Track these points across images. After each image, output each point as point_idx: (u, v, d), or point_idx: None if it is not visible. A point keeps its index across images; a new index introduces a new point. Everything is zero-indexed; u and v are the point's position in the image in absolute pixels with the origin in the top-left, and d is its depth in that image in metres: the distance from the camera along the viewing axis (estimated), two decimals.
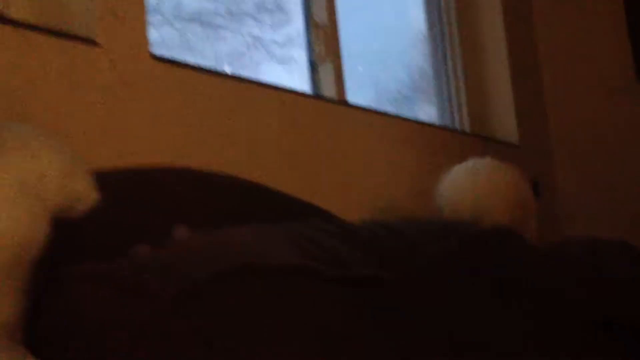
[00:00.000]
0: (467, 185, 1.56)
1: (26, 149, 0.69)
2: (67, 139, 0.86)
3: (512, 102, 2.36)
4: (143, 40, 1.13)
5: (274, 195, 1.08)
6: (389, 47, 2.39)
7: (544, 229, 1.64)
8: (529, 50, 2.56)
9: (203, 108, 1.22)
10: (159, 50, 1.34)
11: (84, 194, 0.71)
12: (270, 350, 0.56)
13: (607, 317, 0.93)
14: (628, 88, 2.64)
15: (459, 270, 0.83)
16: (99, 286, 0.61)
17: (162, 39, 1.59)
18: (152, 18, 1.52)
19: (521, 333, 0.83)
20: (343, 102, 1.78)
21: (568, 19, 2.66)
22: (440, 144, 1.99)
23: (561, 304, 0.89)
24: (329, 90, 1.84)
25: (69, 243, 0.68)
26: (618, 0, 2.66)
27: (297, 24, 1.93)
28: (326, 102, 1.64)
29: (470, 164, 1.62)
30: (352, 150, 1.61)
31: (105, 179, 0.77)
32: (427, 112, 2.41)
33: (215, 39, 1.76)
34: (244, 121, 1.31)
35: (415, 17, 2.46)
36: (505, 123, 2.37)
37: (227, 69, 1.68)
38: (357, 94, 2.03)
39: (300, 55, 1.91)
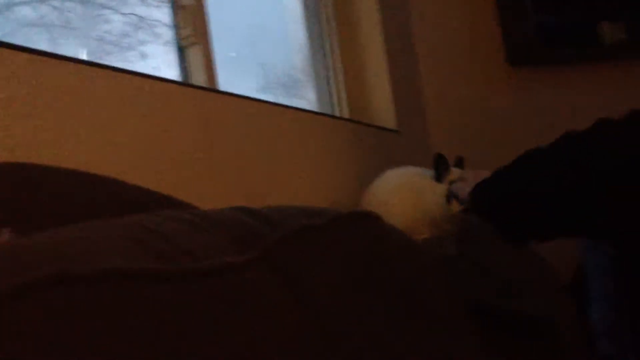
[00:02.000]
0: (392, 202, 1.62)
1: None
2: None
3: (389, 89, 2.36)
4: None
5: (124, 189, 0.98)
6: (265, 31, 2.33)
7: None
8: (405, 37, 2.57)
9: (47, 95, 1.10)
10: (37, 31, 1.20)
11: None
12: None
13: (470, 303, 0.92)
14: (500, 71, 2.72)
15: (313, 247, 0.79)
16: None
17: (40, 17, 1.45)
18: None
19: (378, 319, 0.79)
20: (212, 89, 1.70)
21: (443, 8, 2.70)
22: (318, 130, 1.95)
23: (414, 290, 0.86)
24: (198, 76, 1.75)
25: None
26: None
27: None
28: (194, 88, 1.55)
29: (393, 178, 1.68)
30: (224, 141, 1.53)
31: None
32: (307, 99, 2.37)
33: (98, 19, 1.64)
34: (99, 110, 1.20)
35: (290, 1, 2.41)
36: (384, 110, 2.37)
37: (82, 54, 1.55)
38: (231, 80, 1.95)
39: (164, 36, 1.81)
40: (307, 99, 2.34)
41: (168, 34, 1.82)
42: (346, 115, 2.35)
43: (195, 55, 1.77)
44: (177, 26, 1.81)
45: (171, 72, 1.79)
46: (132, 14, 1.75)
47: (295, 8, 2.39)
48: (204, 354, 0.61)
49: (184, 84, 1.65)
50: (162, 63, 1.80)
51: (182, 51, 1.81)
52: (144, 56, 1.75)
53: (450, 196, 1.57)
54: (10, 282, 0.50)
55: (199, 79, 1.74)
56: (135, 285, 0.58)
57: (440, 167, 1.66)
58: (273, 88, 2.25)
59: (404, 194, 1.65)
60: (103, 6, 1.67)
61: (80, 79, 1.19)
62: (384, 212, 1.09)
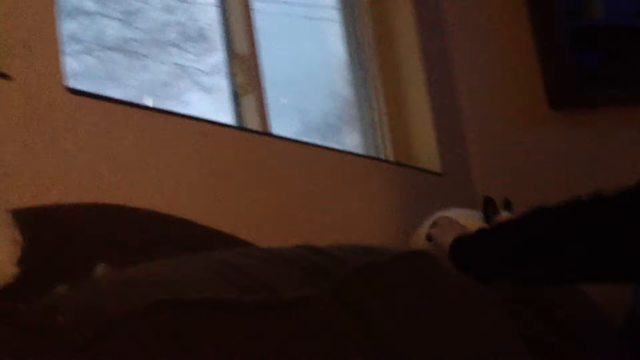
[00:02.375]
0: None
1: None
2: None
3: (433, 132, 2.40)
4: (57, 71, 1.08)
5: (193, 228, 1.05)
6: (311, 77, 2.41)
7: None
8: (447, 82, 2.63)
9: (123, 142, 1.18)
10: (80, 81, 1.28)
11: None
12: None
13: None
14: (542, 116, 2.74)
15: (377, 282, 0.83)
16: (5, 326, 0.57)
17: (84, 68, 1.54)
18: (71, 47, 1.47)
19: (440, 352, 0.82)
20: (267, 133, 1.77)
21: (483, 52, 2.75)
22: (365, 172, 2.01)
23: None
24: (252, 122, 1.83)
25: None
26: (527, 32, 2.77)
27: (221, 52, 1.92)
28: (250, 133, 1.62)
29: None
30: (277, 182, 1.60)
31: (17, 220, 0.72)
32: (351, 141, 2.43)
33: (139, 69, 1.72)
34: (167, 154, 1.27)
35: (335, 46, 2.49)
36: (428, 153, 2.41)
37: (148, 101, 1.64)
38: (281, 125, 2.02)
39: (225, 84, 1.89)
40: (347, 144, 2.40)
41: (208, 81, 1.90)
42: (391, 158, 2.39)
43: (249, 103, 1.85)
44: (232, 74, 1.89)
45: (221, 118, 1.85)
46: (175, 63, 1.83)
47: (341, 54, 2.47)
48: None
49: (242, 128, 1.73)
50: (205, 109, 1.86)
51: (236, 98, 1.89)
52: (185, 104, 1.83)
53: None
54: (122, 308, 0.56)
55: (253, 125, 1.81)
56: (224, 313, 0.64)
57: (488, 210, 1.69)
58: (313, 133, 2.31)
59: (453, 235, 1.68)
60: (144, 56, 1.74)
61: (149, 125, 1.27)
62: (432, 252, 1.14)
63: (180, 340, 0.56)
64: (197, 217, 1.13)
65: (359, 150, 2.35)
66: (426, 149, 2.42)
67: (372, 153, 2.37)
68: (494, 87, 2.72)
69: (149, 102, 1.63)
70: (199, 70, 1.89)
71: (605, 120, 2.75)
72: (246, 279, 0.75)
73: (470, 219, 1.73)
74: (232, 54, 1.91)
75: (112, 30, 1.67)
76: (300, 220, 1.60)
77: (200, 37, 1.93)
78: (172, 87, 1.81)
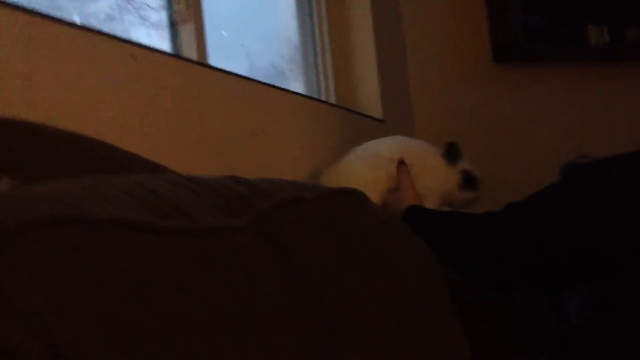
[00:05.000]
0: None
1: None
2: None
3: (376, 78, 2.38)
4: None
5: (115, 151, 1.00)
6: (258, 18, 2.34)
7: None
8: (394, 30, 2.60)
9: (46, 56, 1.11)
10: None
11: None
12: (77, 306, 0.49)
13: None
14: (486, 69, 2.75)
15: (302, 218, 0.81)
16: None
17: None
18: None
19: (362, 291, 0.81)
20: (202, 63, 1.70)
21: (432, 3, 2.72)
22: (305, 113, 1.97)
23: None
24: (189, 52, 1.76)
25: None
26: None
27: None
28: (184, 60, 1.56)
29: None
30: (211, 114, 1.54)
31: None
32: (296, 86, 2.39)
33: (83, 1, 1.63)
34: (94, 74, 1.20)
35: None
36: (370, 98, 2.40)
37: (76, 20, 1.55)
38: (223, 61, 1.95)
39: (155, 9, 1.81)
40: (291, 88, 2.35)
41: (155, 16, 1.82)
42: (332, 100, 2.37)
43: (187, 32, 1.78)
44: (170, 2, 1.81)
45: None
46: None
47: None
48: (194, 309, 0.63)
49: (176, 55, 1.66)
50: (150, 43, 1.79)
51: (173, 28, 1.81)
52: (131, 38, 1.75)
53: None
54: (16, 220, 0.51)
55: (190, 55, 1.74)
56: (132, 235, 0.60)
57: (451, 154, 1.68)
58: (258, 76, 2.26)
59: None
60: None
61: (76, 44, 1.20)
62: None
63: (81, 257, 0.52)
64: (122, 143, 1.07)
65: (301, 90, 2.31)
66: (369, 95, 2.40)
67: (314, 93, 2.34)
68: (441, 39, 2.71)
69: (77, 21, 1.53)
70: (146, 4, 1.80)
71: (546, 76, 2.78)
72: (161, 202, 0.71)
73: (432, 158, 1.70)
74: None
75: None
76: (232, 154, 1.56)
77: None
78: (118, 21, 1.72)
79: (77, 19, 1.54)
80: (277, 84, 2.06)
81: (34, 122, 0.94)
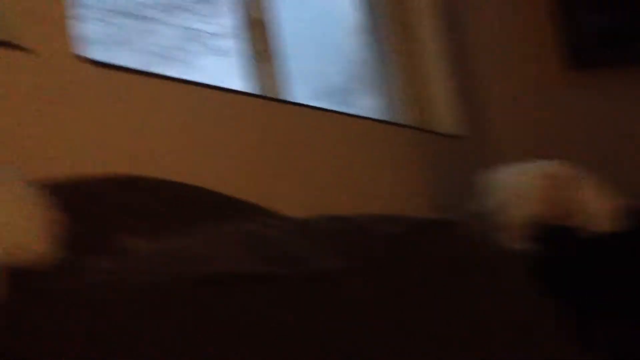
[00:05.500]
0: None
1: None
2: None
3: (450, 93, 2.38)
4: (67, 41, 1.06)
5: (214, 196, 1.05)
6: (325, 40, 2.38)
7: None
8: (464, 43, 2.59)
9: (135, 110, 1.18)
10: (92, 47, 1.27)
11: (39, 249, 0.66)
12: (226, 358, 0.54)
13: None
14: (560, 76, 2.71)
15: (406, 252, 0.84)
16: (53, 302, 0.58)
17: (95, 35, 1.53)
18: (81, 13, 1.46)
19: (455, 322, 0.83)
20: (283, 100, 1.76)
21: (500, 12, 2.70)
22: (381, 138, 1.99)
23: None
24: (268, 87, 1.82)
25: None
26: None
27: (231, 14, 1.90)
28: (266, 100, 1.61)
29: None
30: (292, 149, 1.59)
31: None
32: (366, 104, 2.41)
33: (149, 33, 1.71)
34: (181, 122, 1.27)
35: (349, 9, 2.46)
36: (445, 114, 2.39)
37: (161, 67, 1.63)
38: (296, 88, 2.01)
39: (235, 45, 1.87)
40: (362, 107, 2.38)
41: (219, 44, 1.89)
42: (407, 121, 2.37)
43: (265, 68, 1.84)
44: (247, 39, 1.87)
45: (235, 82, 1.84)
46: (183, 26, 1.81)
47: (355, 17, 2.44)
48: (305, 348, 0.66)
49: (259, 95, 1.72)
50: (216, 73, 1.84)
51: (252, 63, 1.87)
52: (196, 67, 1.81)
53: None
54: (160, 281, 0.56)
55: (269, 90, 1.80)
56: (245, 285, 0.64)
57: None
58: (327, 95, 2.29)
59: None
60: (155, 20, 1.72)
61: (162, 93, 1.27)
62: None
63: (215, 312, 0.57)
64: (213, 185, 1.13)
65: (374, 113, 2.33)
66: (444, 111, 2.40)
67: (388, 116, 2.35)
68: (512, 48, 2.68)
69: (162, 68, 1.61)
70: (210, 33, 1.87)
71: (622, 80, 2.71)
72: (274, 250, 0.76)
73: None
74: (248, 19, 1.89)
75: None
76: (316, 186, 1.60)
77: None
78: (182, 50, 1.80)
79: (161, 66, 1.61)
80: (346, 105, 2.09)
81: (132, 174, 1.00)
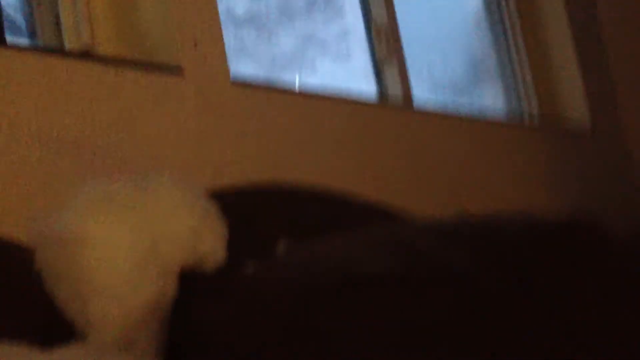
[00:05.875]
0: None
1: (160, 205, 0.70)
2: (162, 167, 0.91)
3: (581, 87, 2.30)
4: (224, 66, 1.18)
5: (354, 201, 1.11)
6: (446, 35, 2.37)
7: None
8: (594, 35, 2.50)
9: (282, 126, 1.27)
10: None
11: (212, 254, 0.73)
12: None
13: None
14: None
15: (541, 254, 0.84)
16: (219, 301, 0.66)
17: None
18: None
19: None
20: (409, 106, 1.79)
21: (631, 3, 2.59)
22: (507, 139, 1.98)
23: None
24: (394, 90, 1.85)
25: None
26: None
27: (348, 18, 1.95)
28: (391, 108, 1.67)
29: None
30: (420, 154, 1.63)
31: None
32: (493, 99, 2.37)
33: (269, 41, 1.78)
34: (320, 134, 1.35)
35: (472, 2, 2.44)
36: (576, 110, 2.32)
37: (284, 75, 1.69)
38: (420, 86, 2.02)
39: (355, 49, 1.92)
40: (488, 102, 2.34)
41: (339, 48, 1.93)
42: (534, 116, 2.31)
43: (391, 72, 1.88)
44: (372, 43, 1.93)
45: (359, 85, 1.86)
46: (304, 33, 1.86)
47: (478, 10, 2.42)
48: (444, 349, 0.70)
49: (383, 102, 1.77)
50: (339, 77, 1.87)
51: (377, 67, 1.92)
52: (318, 72, 1.86)
53: None
54: (319, 282, 0.63)
55: (396, 93, 1.84)
56: (404, 288, 0.69)
57: None
58: (451, 91, 2.27)
59: None
60: (273, 28, 1.78)
61: (302, 108, 1.36)
62: None
63: (370, 314, 0.63)
64: (346, 190, 1.19)
65: (500, 107, 2.30)
66: (574, 107, 2.32)
67: (515, 111, 2.31)
68: None
69: (296, 80, 1.69)
70: (329, 38, 1.93)
71: None
72: (413, 252, 0.80)
73: None
74: (371, 23, 1.94)
75: (241, 4, 1.73)
76: (445, 192, 1.63)
77: (327, 3, 1.96)
78: (303, 56, 1.86)
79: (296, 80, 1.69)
80: (470, 99, 2.07)
81: (290, 185, 1.09)
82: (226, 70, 1.19)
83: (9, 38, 1.11)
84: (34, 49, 1.14)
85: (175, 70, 1.14)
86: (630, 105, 2.47)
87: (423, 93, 1.93)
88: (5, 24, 1.09)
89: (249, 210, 0.91)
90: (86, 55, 1.14)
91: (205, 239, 0.73)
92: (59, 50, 1.15)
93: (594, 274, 0.94)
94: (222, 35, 1.20)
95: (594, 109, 2.30)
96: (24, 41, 1.17)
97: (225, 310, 0.65)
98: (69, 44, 1.15)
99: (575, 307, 0.86)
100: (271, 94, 1.28)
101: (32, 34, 1.16)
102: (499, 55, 2.40)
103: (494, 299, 0.80)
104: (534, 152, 2.02)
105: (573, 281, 0.90)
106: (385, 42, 1.91)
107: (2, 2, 1.09)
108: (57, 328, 0.71)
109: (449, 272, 0.80)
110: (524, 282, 0.84)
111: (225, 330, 0.64)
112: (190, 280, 0.75)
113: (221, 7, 1.61)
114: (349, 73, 1.94)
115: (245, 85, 1.23)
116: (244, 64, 1.63)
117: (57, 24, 1.15)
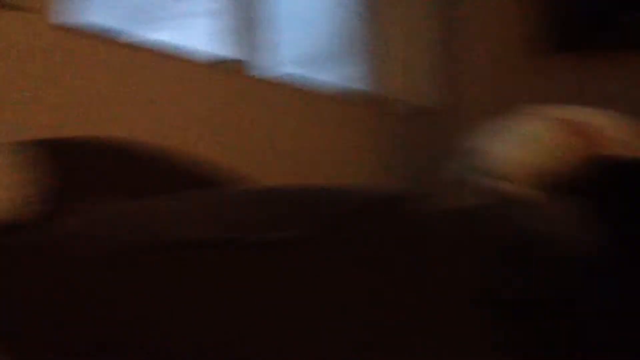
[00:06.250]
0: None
1: None
2: None
3: (428, 65, 2.38)
4: (45, 6, 1.10)
5: (185, 161, 1.10)
6: (311, 6, 2.38)
7: None
8: (450, 22, 2.57)
9: (106, 74, 1.22)
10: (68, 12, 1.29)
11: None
12: (190, 322, 0.62)
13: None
14: (544, 59, 2.73)
15: (359, 229, 0.87)
16: (30, 255, 0.66)
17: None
18: None
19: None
20: (248, 72, 1.78)
21: None
22: (343, 115, 2.03)
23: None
24: (249, 54, 1.83)
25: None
26: None
27: None
28: (229, 72, 1.66)
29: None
30: (255, 121, 1.64)
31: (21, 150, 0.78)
32: (341, 73, 2.40)
33: None
34: (145, 86, 1.32)
35: None
36: (421, 86, 2.39)
37: (137, 29, 1.63)
38: (277, 55, 1.99)
39: (197, 8, 1.88)
40: (340, 75, 2.37)
41: (181, 8, 1.87)
42: (383, 89, 2.35)
43: (248, 34, 1.84)
44: (232, 4, 1.86)
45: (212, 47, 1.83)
46: None
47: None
48: (262, 315, 0.73)
49: (220, 65, 1.74)
50: (180, 35, 1.83)
51: (234, 29, 1.86)
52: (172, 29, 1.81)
53: None
54: (127, 243, 0.64)
55: (249, 56, 1.82)
56: (204, 251, 0.71)
57: None
58: (308, 63, 2.27)
59: None
60: None
61: (148, 62, 1.31)
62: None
63: (182, 276, 0.64)
64: (182, 148, 1.18)
65: (351, 81, 2.33)
66: (420, 83, 2.38)
67: (364, 85, 2.35)
68: (496, 24, 2.68)
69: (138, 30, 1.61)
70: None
71: (606, 66, 2.73)
72: (236, 218, 0.82)
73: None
74: None
75: None
76: (290, 159, 1.65)
77: None
78: (147, 15, 1.79)
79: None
80: (326, 72, 1.96)
81: (115, 139, 1.06)
82: (47, 9, 1.11)
83: None
84: None
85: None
86: (476, 88, 2.60)
87: (278, 64, 1.92)
88: None
89: (66, 164, 0.89)
90: None
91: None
92: None
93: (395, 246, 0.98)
94: None
95: (439, 88, 2.38)
96: None
97: (36, 264, 0.65)
98: None
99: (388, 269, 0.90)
100: (96, 42, 1.22)
101: None
102: (359, 30, 2.42)
103: (309, 266, 0.82)
104: (370, 128, 2.07)
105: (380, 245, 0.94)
106: (245, 7, 1.88)
107: None
108: None
109: (269, 239, 0.83)
110: (336, 252, 0.87)
111: (31, 283, 0.63)
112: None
113: None
114: (200, 34, 1.90)
115: (68, 30, 1.15)
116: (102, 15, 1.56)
117: None
